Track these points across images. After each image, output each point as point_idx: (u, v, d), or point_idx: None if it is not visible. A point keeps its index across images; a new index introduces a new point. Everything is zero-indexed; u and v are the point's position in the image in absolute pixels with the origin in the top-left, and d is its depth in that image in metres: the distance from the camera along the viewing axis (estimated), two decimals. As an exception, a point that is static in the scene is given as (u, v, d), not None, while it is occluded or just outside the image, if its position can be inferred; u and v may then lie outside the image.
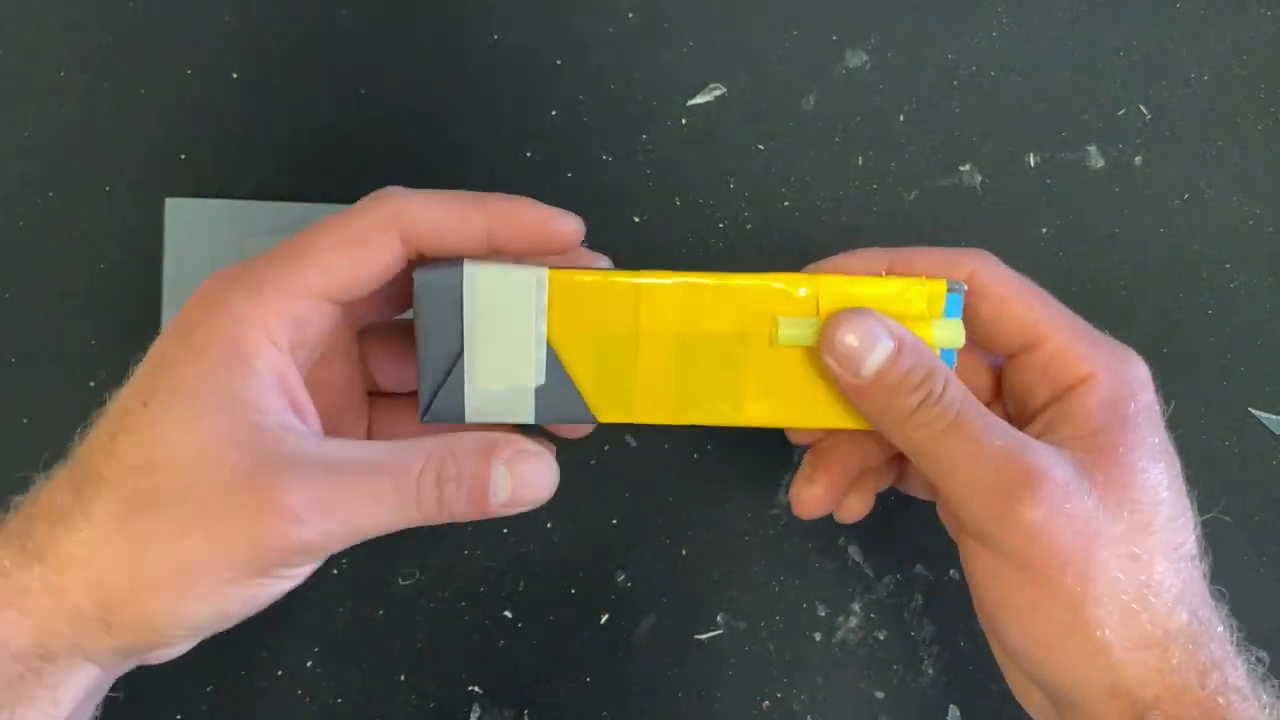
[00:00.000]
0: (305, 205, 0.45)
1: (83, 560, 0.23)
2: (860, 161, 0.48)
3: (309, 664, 0.44)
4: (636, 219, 0.46)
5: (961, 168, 0.48)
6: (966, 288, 0.32)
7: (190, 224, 0.44)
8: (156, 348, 0.26)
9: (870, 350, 0.29)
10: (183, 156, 0.45)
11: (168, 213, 0.44)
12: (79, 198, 0.44)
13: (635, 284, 0.32)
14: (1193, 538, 0.29)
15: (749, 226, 0.47)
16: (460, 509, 0.26)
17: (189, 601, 0.24)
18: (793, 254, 0.47)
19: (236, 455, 0.23)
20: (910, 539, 0.47)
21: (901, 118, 0.48)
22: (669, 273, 0.32)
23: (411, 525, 0.26)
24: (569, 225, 0.29)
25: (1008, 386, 0.34)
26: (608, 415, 0.32)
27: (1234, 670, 0.29)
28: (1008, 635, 0.29)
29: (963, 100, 0.48)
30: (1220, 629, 0.29)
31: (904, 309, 0.31)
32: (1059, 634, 0.28)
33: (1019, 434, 0.29)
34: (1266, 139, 0.50)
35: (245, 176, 0.45)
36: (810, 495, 0.35)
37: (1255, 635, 0.48)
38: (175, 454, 0.24)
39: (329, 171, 0.45)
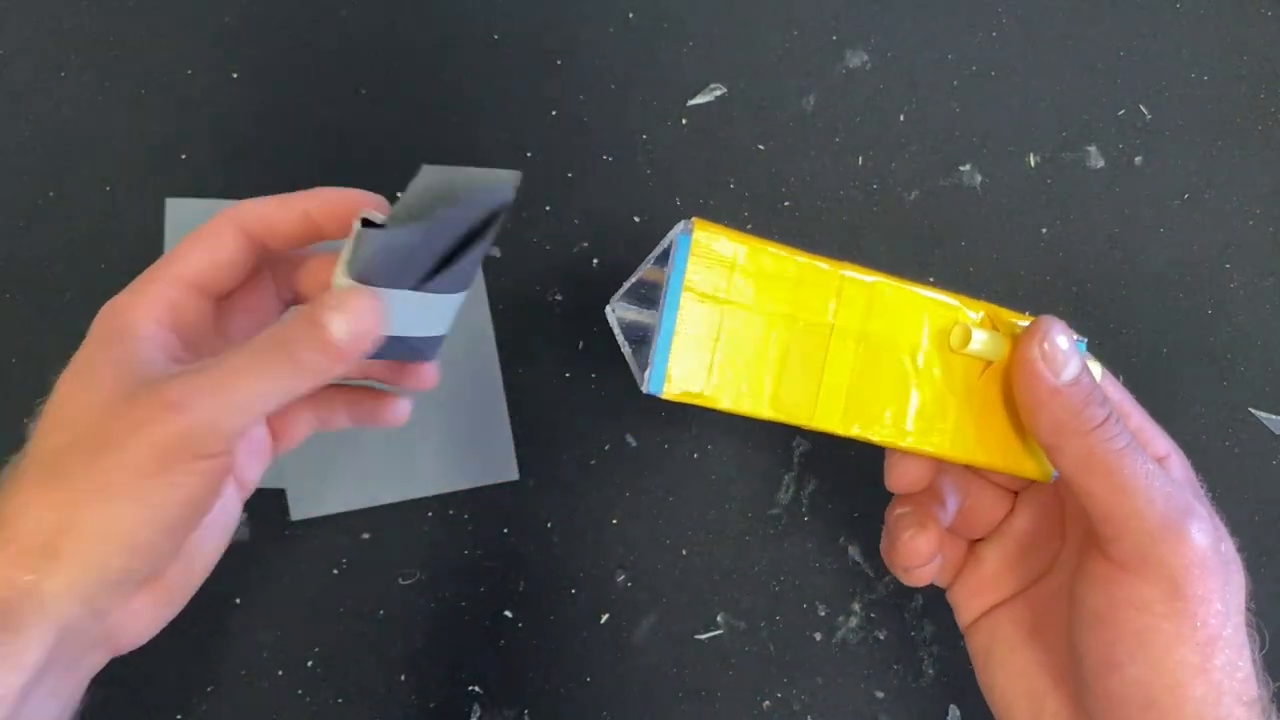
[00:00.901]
0: (305, 205, 0.45)
1: (21, 512, 0.27)
2: (860, 161, 0.48)
3: (309, 664, 0.44)
4: (636, 219, 0.46)
5: (961, 168, 0.48)
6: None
7: (190, 224, 0.44)
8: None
9: (1072, 357, 0.31)
10: (183, 156, 0.45)
11: (168, 212, 0.44)
12: (79, 198, 0.44)
13: (840, 275, 0.31)
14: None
15: (749, 227, 0.47)
16: (310, 356, 0.28)
17: (115, 509, 0.27)
18: (793, 254, 0.47)
19: (123, 389, 0.28)
20: (910, 539, 0.47)
21: (901, 118, 0.48)
22: (856, 266, 0.31)
23: (285, 390, 0.28)
24: (367, 199, 0.32)
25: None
26: (787, 415, 0.31)
27: None
28: (1132, 671, 0.29)
29: (963, 100, 0.48)
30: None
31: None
32: (1189, 674, 0.29)
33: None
34: (1266, 139, 0.50)
35: (245, 176, 0.45)
36: (926, 543, 0.34)
37: (1255, 635, 0.48)
38: (75, 408, 0.29)
39: (329, 171, 0.45)
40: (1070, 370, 0.30)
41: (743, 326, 0.29)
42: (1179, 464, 0.34)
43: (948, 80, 0.48)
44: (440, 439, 0.44)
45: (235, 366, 0.28)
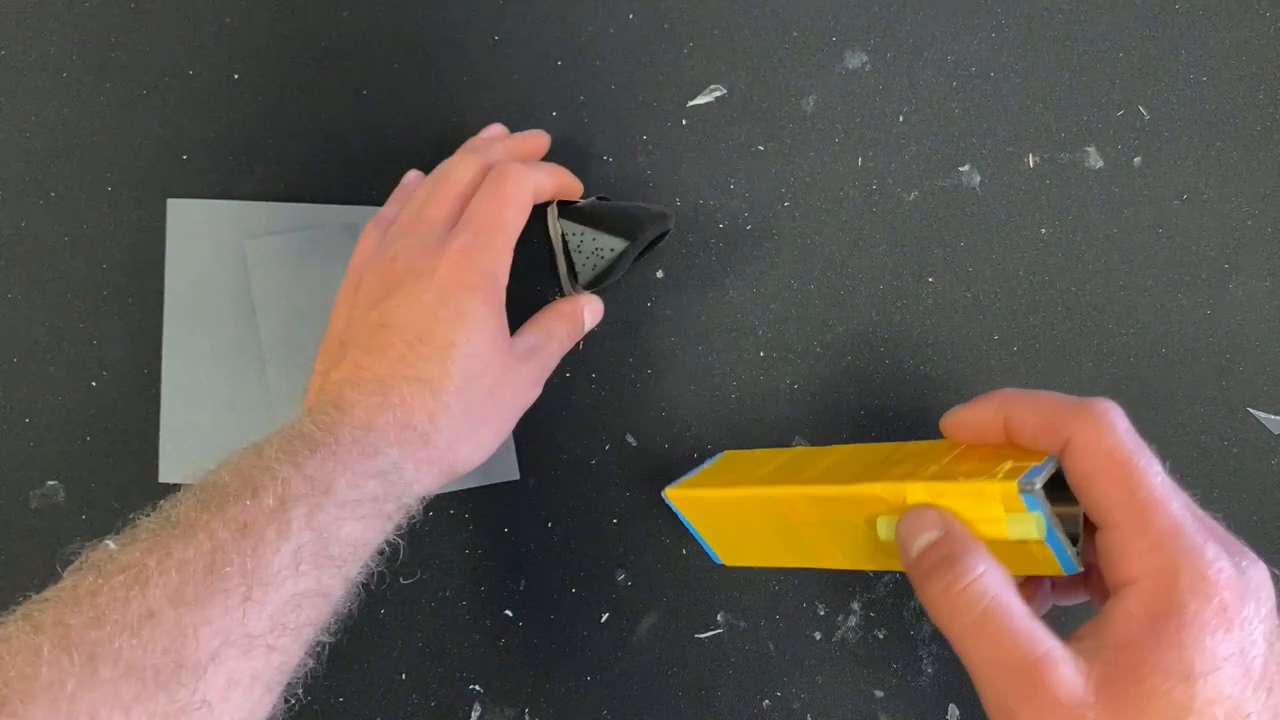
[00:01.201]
0: (306, 206, 0.45)
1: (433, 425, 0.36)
2: (860, 162, 0.48)
3: (309, 663, 0.44)
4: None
5: (961, 168, 0.48)
6: (1049, 473, 0.31)
7: (192, 224, 0.44)
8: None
9: (916, 538, 0.32)
10: (184, 157, 0.45)
11: (169, 213, 0.44)
12: (81, 198, 0.44)
13: (795, 493, 0.37)
14: None
15: (749, 227, 0.47)
16: (572, 327, 0.43)
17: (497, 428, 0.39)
18: (793, 254, 0.47)
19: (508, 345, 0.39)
20: (910, 539, 0.47)
21: (901, 118, 0.48)
22: (806, 482, 0.37)
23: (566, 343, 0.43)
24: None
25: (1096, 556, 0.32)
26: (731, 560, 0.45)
27: None
28: None
29: (963, 100, 0.48)
30: None
31: (981, 510, 0.32)
32: None
33: (1046, 640, 0.29)
34: (1266, 139, 0.50)
35: (246, 177, 0.45)
36: None
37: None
38: (485, 353, 0.38)
39: (330, 172, 0.45)
40: (913, 549, 0.32)
41: (736, 529, 0.41)
42: (1148, 591, 0.29)
43: (947, 81, 0.48)
44: None
45: (555, 334, 0.42)
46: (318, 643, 0.33)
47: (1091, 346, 0.48)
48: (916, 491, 0.33)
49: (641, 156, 0.47)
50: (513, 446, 0.45)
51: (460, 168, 0.40)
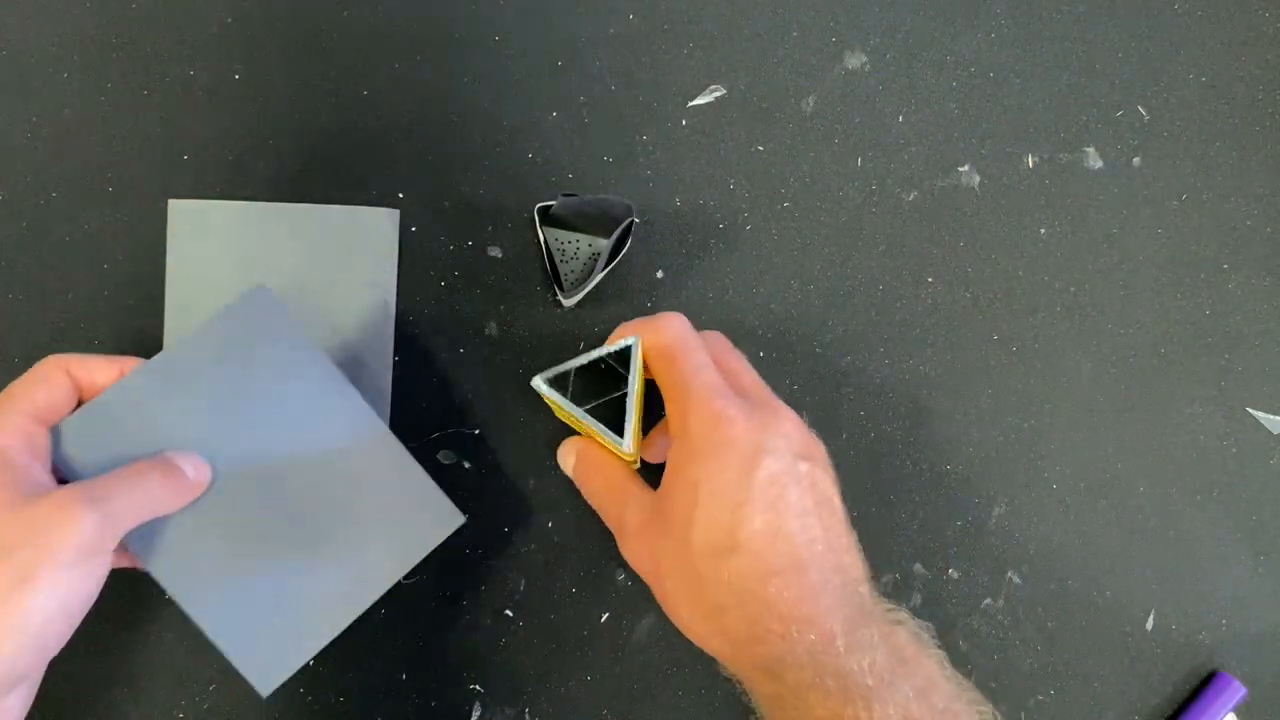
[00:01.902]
0: (307, 206, 0.45)
1: None
2: (860, 162, 0.48)
3: (311, 662, 0.44)
4: (636, 219, 0.46)
5: (960, 168, 0.48)
6: (563, 369, 0.41)
7: (192, 225, 0.44)
8: None
9: (566, 460, 0.44)
10: (185, 157, 0.45)
11: (170, 214, 0.44)
12: (82, 199, 0.44)
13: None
14: (750, 535, 0.36)
15: (749, 227, 0.47)
16: (173, 480, 0.37)
17: (35, 600, 0.31)
18: (793, 254, 0.47)
19: (24, 499, 0.33)
20: (910, 539, 0.47)
21: (901, 118, 0.48)
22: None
23: (158, 504, 0.36)
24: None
25: None
26: None
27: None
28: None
29: (962, 101, 0.48)
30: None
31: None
32: (674, 619, 0.39)
33: (633, 488, 0.41)
34: (1265, 139, 0.50)
35: (247, 177, 0.45)
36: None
37: (1254, 635, 0.49)
38: None
39: (331, 173, 0.45)
40: (567, 468, 0.44)
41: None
42: (677, 438, 0.38)
43: (946, 81, 0.48)
44: (368, 534, 0.40)
45: (124, 479, 0.35)
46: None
47: (1091, 346, 0.48)
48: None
49: (641, 156, 0.47)
50: (442, 494, 0.42)
51: None
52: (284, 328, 0.39)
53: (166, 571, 0.38)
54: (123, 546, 0.37)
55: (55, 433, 0.37)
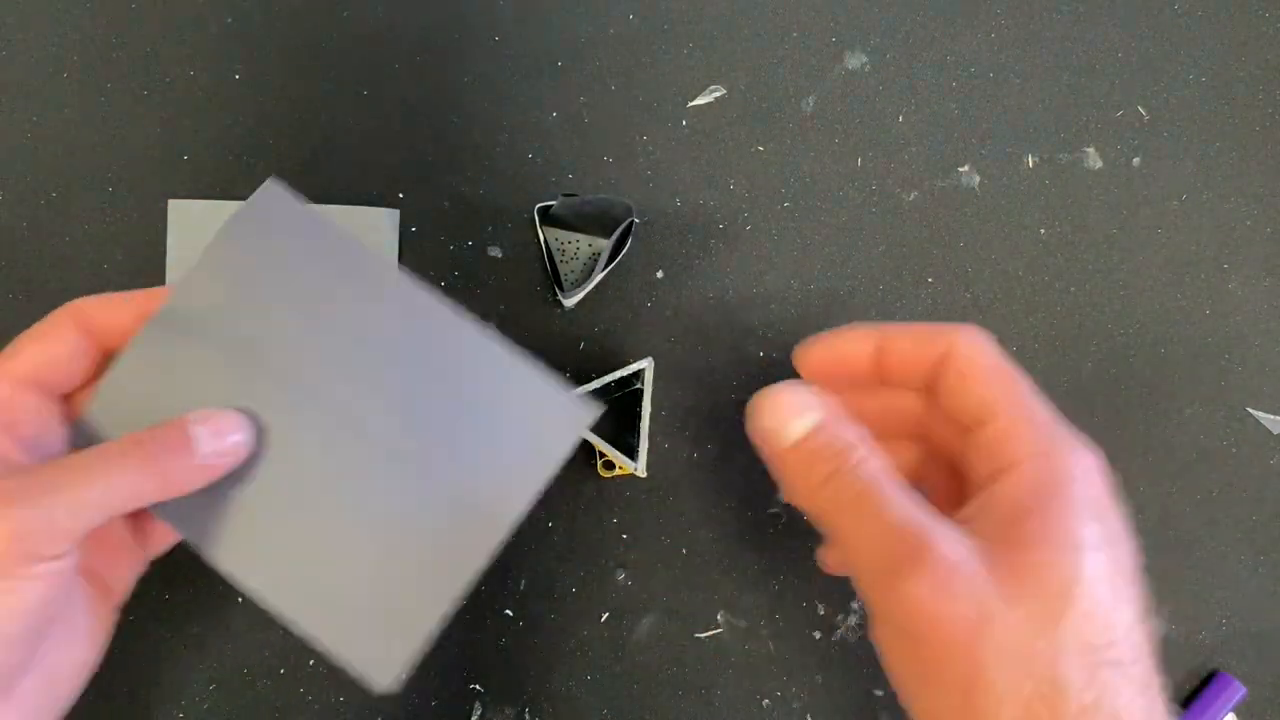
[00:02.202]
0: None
1: None
2: (860, 162, 0.48)
3: (311, 662, 0.44)
4: (636, 219, 0.46)
5: (961, 168, 0.48)
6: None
7: (192, 225, 0.44)
8: None
9: (790, 421, 0.31)
10: (185, 157, 0.45)
11: (170, 214, 0.44)
12: (82, 199, 0.44)
13: None
14: (1127, 641, 0.27)
15: (749, 227, 0.47)
16: (167, 459, 0.28)
17: None
18: (793, 254, 0.47)
19: None
20: (909, 538, 0.47)
21: (901, 118, 0.48)
22: None
23: (136, 492, 0.28)
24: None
25: (967, 461, 0.32)
26: None
27: None
28: (910, 708, 0.29)
29: (962, 101, 0.48)
30: None
31: None
32: (950, 712, 0.27)
33: (927, 514, 0.28)
34: (1265, 139, 0.50)
35: (246, 177, 0.45)
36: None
37: (1254, 635, 0.49)
38: None
39: (331, 172, 0.45)
40: (790, 434, 0.30)
41: None
42: (1032, 472, 0.29)
43: (947, 81, 0.48)
44: (478, 456, 0.32)
45: (78, 464, 0.27)
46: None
47: (1091, 346, 0.48)
48: None
49: (641, 156, 0.47)
50: (560, 387, 0.33)
51: None
52: (310, 226, 0.31)
53: (231, 559, 0.31)
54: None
55: (83, 424, 0.31)
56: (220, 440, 0.30)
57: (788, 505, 0.46)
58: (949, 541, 0.27)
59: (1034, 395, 0.30)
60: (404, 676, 0.31)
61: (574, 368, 0.46)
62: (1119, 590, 0.27)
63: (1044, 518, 0.27)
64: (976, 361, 0.31)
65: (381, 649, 0.30)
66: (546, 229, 0.45)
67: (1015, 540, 0.27)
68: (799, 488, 0.30)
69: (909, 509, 0.28)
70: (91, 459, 0.28)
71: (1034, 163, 0.49)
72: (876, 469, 0.29)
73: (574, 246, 0.45)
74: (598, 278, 0.44)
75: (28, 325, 0.44)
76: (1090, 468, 0.29)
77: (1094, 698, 0.26)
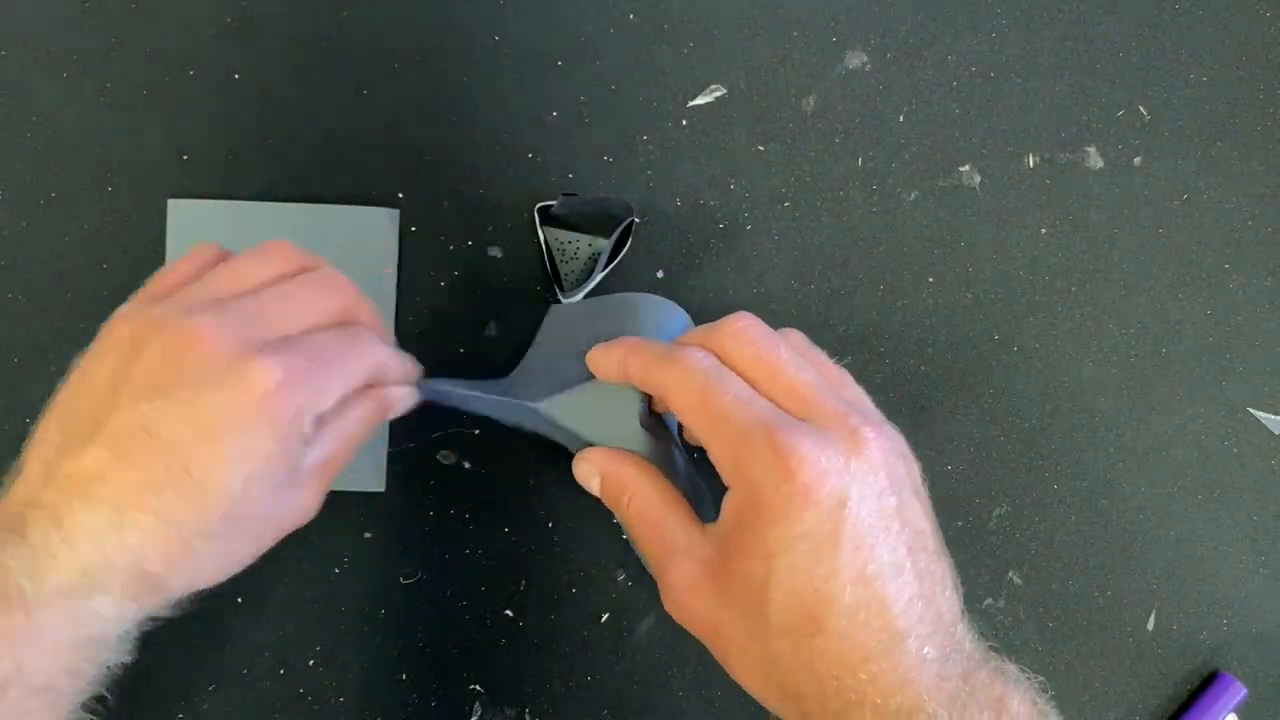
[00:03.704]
0: (307, 206, 0.45)
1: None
2: (860, 162, 0.48)
3: (310, 663, 0.44)
4: (636, 219, 0.46)
5: (961, 168, 0.48)
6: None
7: (192, 225, 0.44)
8: None
9: (588, 483, 0.38)
10: (184, 157, 0.45)
11: (170, 213, 0.44)
12: (81, 198, 0.44)
13: None
14: (839, 621, 0.30)
15: (749, 227, 0.47)
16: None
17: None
18: (793, 253, 0.47)
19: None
20: (910, 539, 0.47)
21: (901, 118, 0.48)
22: None
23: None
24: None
25: None
26: None
27: None
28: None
29: (962, 101, 0.48)
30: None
31: None
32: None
33: (675, 535, 0.34)
34: (1266, 139, 0.50)
35: (246, 177, 0.45)
36: None
37: (1254, 635, 0.49)
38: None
39: (331, 173, 0.45)
40: (594, 490, 0.38)
41: None
42: (732, 493, 0.33)
43: (947, 81, 0.48)
44: None
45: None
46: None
47: (1091, 346, 0.48)
48: None
49: (641, 156, 0.47)
50: (383, 459, 0.44)
51: (317, 281, 0.35)
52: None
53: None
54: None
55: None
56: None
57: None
58: (681, 565, 0.33)
59: (733, 408, 0.32)
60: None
61: (574, 368, 0.46)
62: (814, 572, 0.30)
63: (740, 533, 0.32)
64: (678, 403, 0.33)
65: None
66: (546, 229, 0.45)
67: (723, 555, 0.32)
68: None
69: (657, 535, 0.34)
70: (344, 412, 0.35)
71: (1035, 162, 0.48)
72: (640, 504, 0.35)
73: (574, 246, 0.45)
74: (598, 278, 0.44)
75: (28, 325, 0.44)
76: (791, 470, 0.30)
77: (808, 662, 0.30)
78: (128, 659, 0.31)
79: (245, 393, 0.30)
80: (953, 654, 0.30)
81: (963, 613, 0.32)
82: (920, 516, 0.32)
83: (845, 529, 0.30)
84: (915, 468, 0.33)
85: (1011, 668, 0.31)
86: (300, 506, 0.33)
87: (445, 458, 0.45)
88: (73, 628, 0.29)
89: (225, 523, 0.30)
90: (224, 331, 0.31)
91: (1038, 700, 0.31)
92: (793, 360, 0.33)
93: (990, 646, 0.32)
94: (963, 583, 0.47)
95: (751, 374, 0.33)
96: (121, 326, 0.32)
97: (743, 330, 0.34)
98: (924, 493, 0.33)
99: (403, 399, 0.37)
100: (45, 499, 0.29)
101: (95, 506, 0.29)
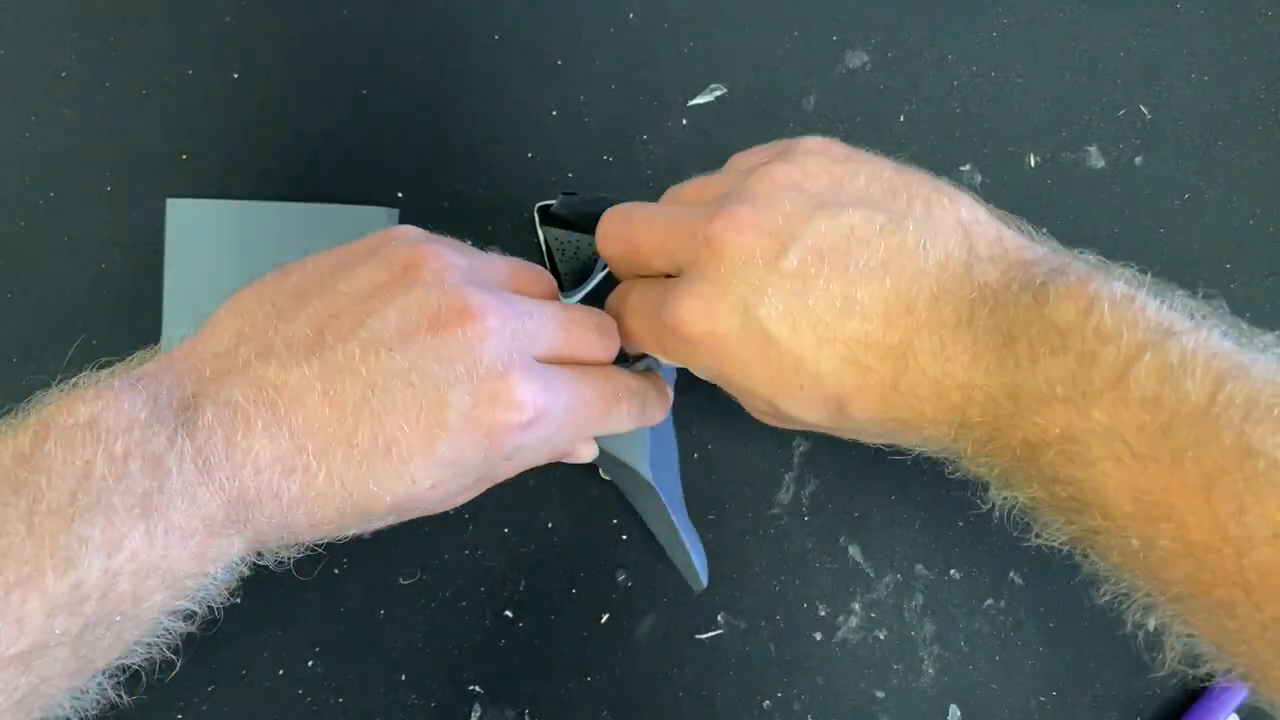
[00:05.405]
0: (306, 206, 0.45)
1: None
2: (860, 162, 0.48)
3: (310, 663, 0.44)
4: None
5: (961, 168, 0.48)
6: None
7: (191, 224, 0.44)
8: None
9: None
10: (183, 157, 0.45)
11: (169, 213, 0.44)
12: (80, 198, 0.44)
13: None
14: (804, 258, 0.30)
15: (749, 227, 0.47)
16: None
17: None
18: (793, 254, 0.47)
19: None
20: (910, 539, 0.47)
21: (901, 118, 0.48)
22: None
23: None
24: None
25: None
26: None
27: None
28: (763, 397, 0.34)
29: (963, 100, 0.48)
30: None
31: None
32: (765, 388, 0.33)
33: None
34: (1266, 139, 0.50)
35: (245, 176, 0.45)
36: None
37: (1255, 635, 0.48)
38: None
39: (330, 172, 0.45)
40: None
41: None
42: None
43: (948, 80, 0.48)
44: None
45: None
46: None
47: (1092, 346, 0.48)
48: None
49: (641, 156, 0.47)
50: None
51: (594, 325, 0.34)
52: None
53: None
54: None
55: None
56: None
57: (788, 506, 0.46)
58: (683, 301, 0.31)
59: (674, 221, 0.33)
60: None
61: (574, 368, 0.46)
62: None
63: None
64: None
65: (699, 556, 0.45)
66: (546, 229, 0.45)
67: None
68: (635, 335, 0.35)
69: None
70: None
71: (1036, 162, 0.48)
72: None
73: (574, 246, 0.45)
74: (598, 277, 0.44)
75: (28, 325, 0.44)
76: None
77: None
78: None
79: (490, 408, 0.27)
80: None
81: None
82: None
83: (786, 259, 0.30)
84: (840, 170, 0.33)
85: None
86: (446, 504, 0.30)
87: (445, 458, 0.45)
88: (195, 562, 0.26)
89: (390, 509, 0.27)
90: (506, 326, 0.28)
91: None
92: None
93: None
94: (964, 583, 0.47)
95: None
96: (405, 248, 0.28)
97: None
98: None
99: (582, 459, 0.37)
100: (224, 393, 0.25)
101: (276, 434, 0.25)
